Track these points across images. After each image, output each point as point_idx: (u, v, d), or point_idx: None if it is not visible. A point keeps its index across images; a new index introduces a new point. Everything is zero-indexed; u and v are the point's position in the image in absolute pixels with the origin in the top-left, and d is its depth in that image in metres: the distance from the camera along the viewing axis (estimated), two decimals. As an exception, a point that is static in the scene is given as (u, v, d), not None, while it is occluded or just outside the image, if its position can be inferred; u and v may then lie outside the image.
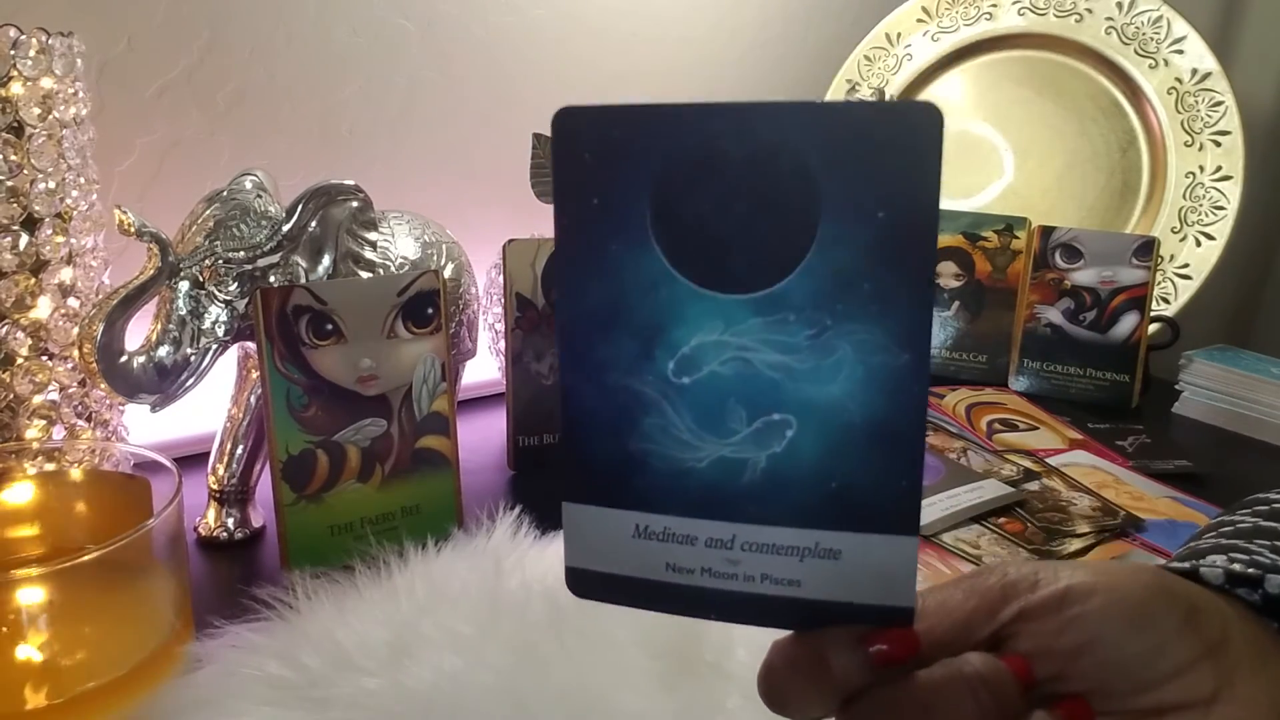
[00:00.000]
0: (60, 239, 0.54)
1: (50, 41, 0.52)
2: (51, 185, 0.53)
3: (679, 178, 0.23)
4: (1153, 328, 0.90)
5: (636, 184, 0.23)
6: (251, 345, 0.55)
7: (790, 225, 0.22)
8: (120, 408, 0.61)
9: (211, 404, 0.60)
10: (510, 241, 0.67)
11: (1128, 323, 0.88)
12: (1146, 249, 0.85)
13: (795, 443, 0.23)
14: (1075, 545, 0.60)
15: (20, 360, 0.54)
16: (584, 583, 0.26)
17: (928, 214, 0.22)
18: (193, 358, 0.52)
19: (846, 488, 0.23)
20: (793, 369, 0.23)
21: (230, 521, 0.58)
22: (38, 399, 0.54)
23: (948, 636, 0.25)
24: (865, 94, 0.90)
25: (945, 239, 0.95)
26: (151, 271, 0.50)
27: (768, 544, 0.24)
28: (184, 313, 0.52)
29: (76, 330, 0.53)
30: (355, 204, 0.58)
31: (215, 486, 0.58)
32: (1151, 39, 0.98)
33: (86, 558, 0.37)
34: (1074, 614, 0.24)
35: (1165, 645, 0.24)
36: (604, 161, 0.23)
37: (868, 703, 0.23)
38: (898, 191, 0.22)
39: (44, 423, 0.55)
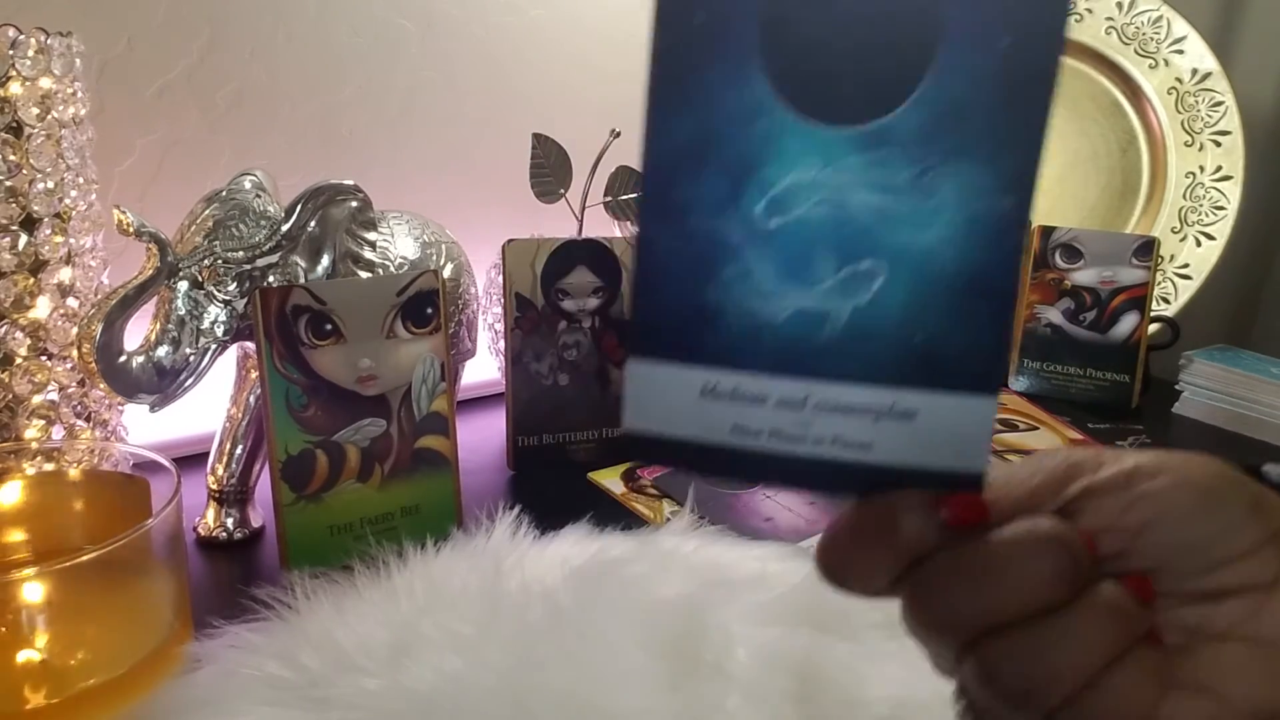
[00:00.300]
0: (59, 239, 0.54)
1: (49, 41, 0.52)
2: (50, 185, 0.53)
3: None
4: (1153, 328, 0.90)
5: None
6: (251, 345, 0.55)
7: (907, 49, 0.21)
8: (119, 408, 0.61)
9: (211, 404, 0.60)
10: (510, 241, 0.67)
11: (1128, 323, 0.88)
12: (1146, 249, 0.85)
13: (882, 293, 0.22)
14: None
15: (19, 360, 0.53)
16: (643, 447, 0.24)
17: (1055, 45, 0.20)
18: (192, 358, 0.52)
19: (931, 343, 0.22)
20: (889, 213, 0.22)
21: (229, 521, 0.58)
22: (37, 399, 0.54)
23: (1012, 511, 0.24)
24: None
25: (945, 239, 0.94)
26: (150, 271, 0.50)
27: (842, 404, 0.23)
28: (183, 313, 0.52)
29: (75, 330, 0.53)
30: (355, 204, 0.58)
31: (214, 486, 0.58)
32: (1151, 39, 0.98)
33: (86, 557, 0.37)
34: (1141, 491, 0.24)
35: (1231, 527, 0.23)
36: None
37: (936, 564, 0.23)
38: (1027, 17, 0.20)
39: (43, 423, 0.55)
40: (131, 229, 0.49)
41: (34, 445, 0.52)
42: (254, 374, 0.57)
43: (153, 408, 0.52)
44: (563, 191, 0.78)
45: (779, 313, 0.23)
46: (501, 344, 0.72)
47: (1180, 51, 0.97)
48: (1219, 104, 0.95)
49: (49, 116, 0.52)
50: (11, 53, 0.50)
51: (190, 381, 0.53)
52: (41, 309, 0.54)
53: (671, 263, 0.23)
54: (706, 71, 0.22)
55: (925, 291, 0.22)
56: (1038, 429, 0.81)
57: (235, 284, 0.53)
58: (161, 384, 0.52)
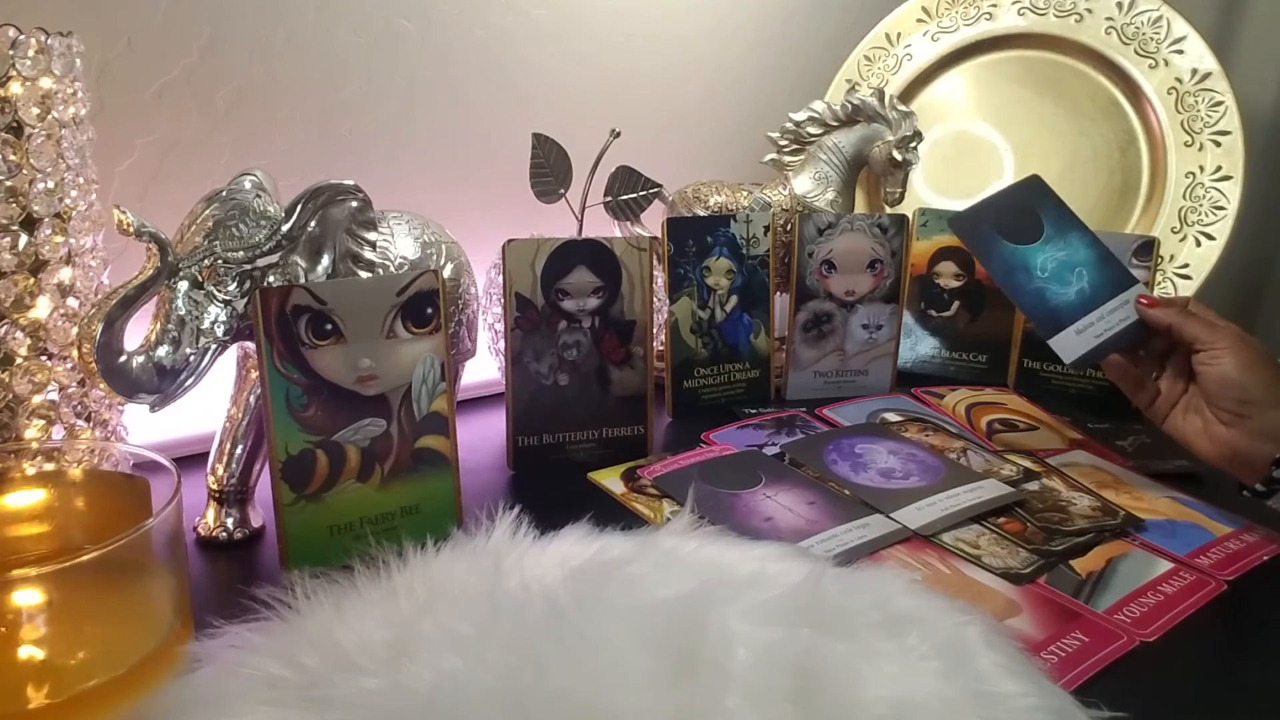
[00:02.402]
0: (59, 239, 0.54)
1: (49, 41, 0.52)
2: (50, 185, 0.53)
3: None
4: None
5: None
6: (251, 345, 0.55)
7: (1034, 224, 0.72)
8: (119, 407, 0.61)
9: (211, 404, 0.60)
10: (510, 241, 0.67)
11: (1128, 323, 0.88)
12: (1146, 249, 0.85)
13: (1090, 275, 0.70)
14: (1075, 545, 0.60)
15: (19, 360, 0.54)
16: (1078, 365, 0.68)
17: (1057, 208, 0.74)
18: (192, 358, 0.52)
19: (1109, 279, 0.69)
20: (1068, 253, 0.70)
21: (230, 521, 0.58)
22: (37, 399, 0.54)
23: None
24: (865, 94, 0.90)
25: (945, 239, 0.95)
26: (151, 271, 0.50)
27: (1113, 308, 0.68)
28: (183, 313, 0.52)
29: (76, 330, 0.53)
30: (355, 204, 0.58)
31: (215, 486, 0.58)
32: (1151, 39, 0.98)
33: (86, 557, 0.37)
34: (1219, 351, 0.62)
35: (1260, 383, 0.61)
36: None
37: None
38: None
39: (43, 423, 0.55)
40: (131, 229, 0.49)
41: (34, 445, 0.52)
42: (254, 374, 0.57)
43: (153, 408, 0.52)
44: (563, 191, 0.78)
45: (1068, 297, 0.69)
46: (501, 344, 0.72)
47: (1180, 51, 0.97)
48: (1219, 104, 0.95)
49: (49, 116, 0.52)
50: (11, 53, 0.50)
51: (190, 381, 0.53)
52: (41, 309, 0.54)
53: (1031, 301, 0.69)
54: (997, 241, 0.71)
55: (1098, 268, 0.70)
56: (1037, 429, 0.81)
57: (235, 284, 0.53)
58: (161, 384, 0.52)
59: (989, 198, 0.73)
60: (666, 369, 0.83)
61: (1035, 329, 0.70)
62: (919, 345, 0.97)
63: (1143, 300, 0.67)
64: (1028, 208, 0.71)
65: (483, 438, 0.75)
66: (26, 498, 0.47)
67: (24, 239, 0.53)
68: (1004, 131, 1.06)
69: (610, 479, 0.69)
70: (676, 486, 0.66)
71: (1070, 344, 0.67)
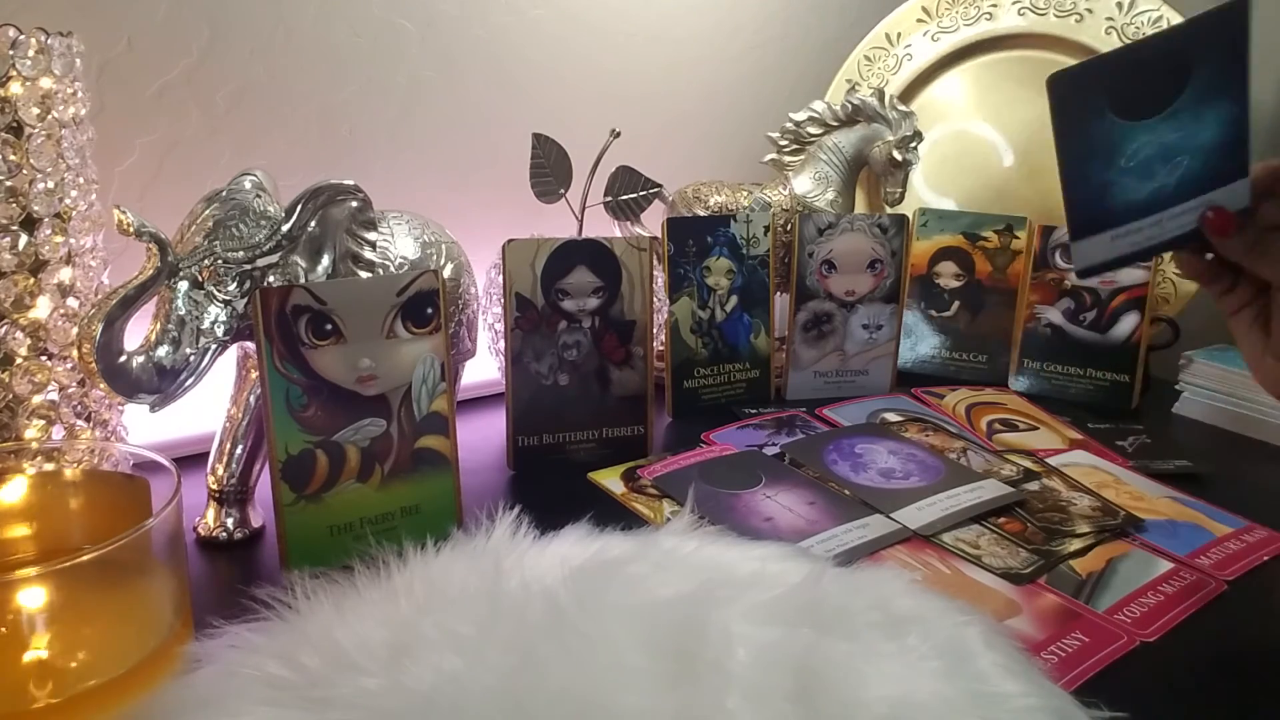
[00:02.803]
0: (59, 239, 0.54)
1: (49, 41, 0.52)
2: (50, 185, 0.53)
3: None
4: (1153, 328, 0.90)
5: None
6: (251, 345, 0.55)
7: (1172, 83, 0.52)
8: (119, 408, 0.61)
9: (211, 404, 0.60)
10: (510, 241, 0.67)
11: (1128, 323, 0.88)
12: (1146, 249, 0.85)
13: (1189, 164, 0.52)
14: (1075, 545, 0.60)
15: (19, 360, 0.54)
16: (1089, 274, 0.55)
17: (1243, 49, 0.51)
18: (192, 358, 0.52)
19: (1211, 173, 0.52)
20: (1184, 136, 0.52)
21: (230, 521, 0.58)
22: (37, 399, 0.54)
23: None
24: (865, 94, 0.90)
25: (945, 239, 0.95)
26: (151, 271, 0.50)
27: (1180, 212, 0.53)
28: (183, 313, 0.52)
29: (75, 330, 0.53)
30: (355, 204, 0.58)
31: (215, 486, 0.58)
32: (1151, 39, 0.98)
33: (86, 557, 0.37)
34: None
35: None
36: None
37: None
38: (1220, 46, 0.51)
39: (43, 423, 0.55)
40: (131, 229, 0.49)
41: (34, 445, 0.52)
42: (254, 374, 0.57)
43: (153, 408, 0.52)
44: (563, 191, 0.78)
45: (1140, 195, 0.53)
46: (501, 344, 0.72)
47: (1180, 51, 0.96)
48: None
49: (49, 116, 0.52)
50: (11, 53, 0.50)
51: (190, 381, 0.53)
52: (41, 309, 0.54)
53: (1086, 194, 0.53)
54: (1097, 113, 0.52)
55: (1206, 155, 0.51)
56: (1038, 429, 0.81)
57: (235, 284, 0.53)
58: (161, 384, 0.52)
59: (1129, 47, 0.55)
60: (666, 369, 0.83)
61: (1066, 222, 0.54)
62: (919, 345, 0.97)
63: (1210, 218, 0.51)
64: (1182, 63, 0.51)
65: (483, 438, 0.75)
66: (27, 498, 0.47)
67: (24, 239, 0.53)
68: (1004, 131, 1.06)
69: (610, 479, 0.69)
70: (676, 486, 0.66)
71: (1091, 250, 0.54)
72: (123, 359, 0.50)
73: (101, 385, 0.50)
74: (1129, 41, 0.60)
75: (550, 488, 0.67)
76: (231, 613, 0.43)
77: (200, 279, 0.53)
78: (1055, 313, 0.90)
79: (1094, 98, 0.53)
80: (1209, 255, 0.54)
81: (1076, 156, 0.53)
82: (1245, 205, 0.51)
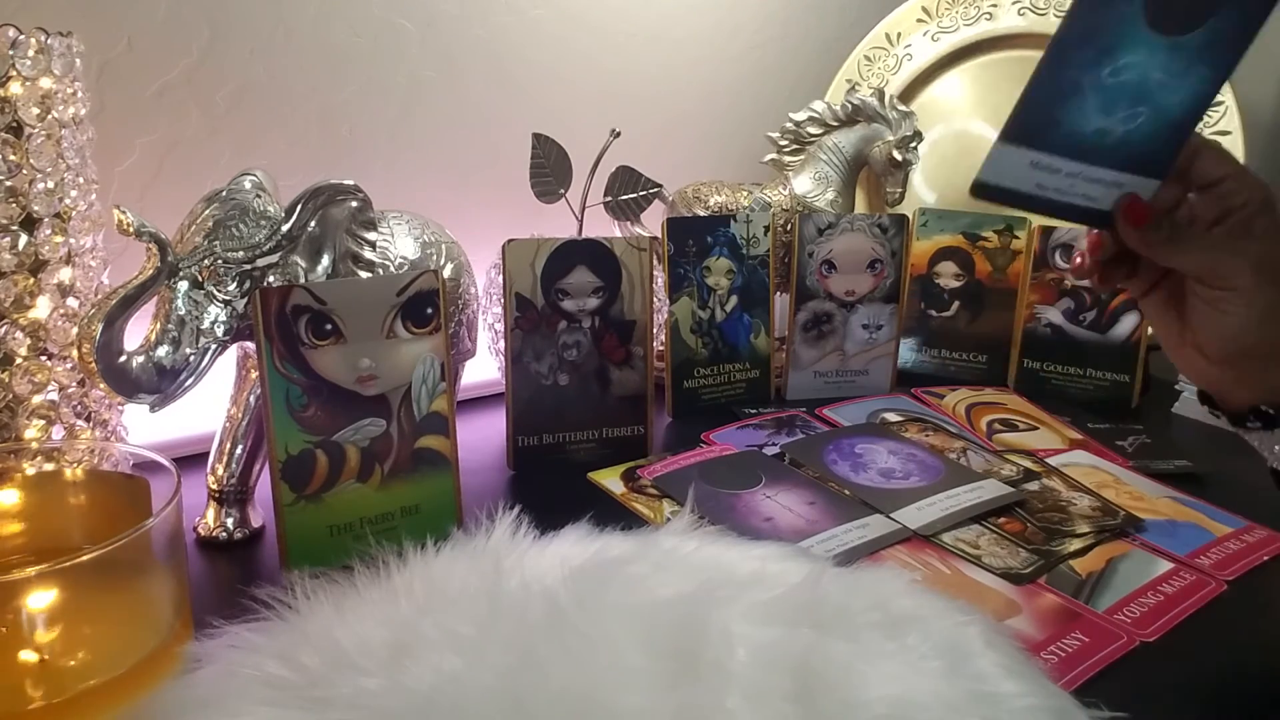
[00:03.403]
0: (59, 239, 0.54)
1: (49, 41, 0.52)
2: (50, 185, 0.53)
3: None
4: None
5: None
6: (251, 345, 0.55)
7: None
8: (119, 407, 0.61)
9: (211, 404, 0.60)
10: (510, 241, 0.67)
11: (1128, 323, 0.88)
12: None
13: (1140, 125, 0.45)
14: (1075, 545, 0.60)
15: (19, 360, 0.53)
16: (984, 191, 0.46)
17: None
18: (192, 358, 0.52)
19: (1146, 151, 0.46)
20: (1164, 85, 0.44)
21: (229, 521, 0.58)
22: (37, 399, 0.54)
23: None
24: (865, 94, 0.90)
25: (945, 239, 0.95)
26: (151, 271, 0.50)
27: (1095, 179, 0.46)
28: (183, 313, 0.52)
29: (75, 330, 0.53)
30: (355, 204, 0.58)
31: (215, 486, 0.58)
32: (1151, 39, 0.98)
33: (86, 557, 0.37)
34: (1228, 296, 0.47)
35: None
36: None
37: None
38: None
39: (43, 423, 0.55)
40: (131, 229, 0.49)
41: (34, 445, 0.52)
42: (254, 374, 0.57)
43: (153, 408, 0.52)
44: (563, 191, 0.78)
45: (1088, 127, 0.45)
46: (501, 344, 0.72)
47: (1180, 51, 0.96)
48: (1219, 104, 0.95)
49: (49, 116, 0.52)
50: (11, 53, 0.50)
51: (190, 381, 0.53)
52: (41, 309, 0.54)
53: (1050, 91, 0.44)
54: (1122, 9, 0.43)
55: (1157, 126, 0.45)
56: (1038, 429, 0.81)
57: (235, 284, 0.53)
58: (161, 384, 0.52)
59: None
60: (666, 369, 0.83)
61: (1007, 120, 0.46)
62: (919, 345, 0.97)
63: (1127, 213, 0.47)
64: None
65: (483, 438, 0.75)
66: (27, 498, 0.47)
67: (24, 239, 0.53)
68: (1004, 131, 1.06)
69: (610, 479, 0.69)
70: (676, 486, 0.66)
71: (1004, 164, 0.46)
72: (123, 359, 0.50)
73: (101, 385, 0.50)
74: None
75: (550, 488, 0.67)
76: (231, 613, 0.43)
77: (200, 279, 0.53)
78: (1055, 312, 0.90)
79: None
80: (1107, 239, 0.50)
81: (1069, 42, 0.45)
82: (1147, 200, 0.48)
